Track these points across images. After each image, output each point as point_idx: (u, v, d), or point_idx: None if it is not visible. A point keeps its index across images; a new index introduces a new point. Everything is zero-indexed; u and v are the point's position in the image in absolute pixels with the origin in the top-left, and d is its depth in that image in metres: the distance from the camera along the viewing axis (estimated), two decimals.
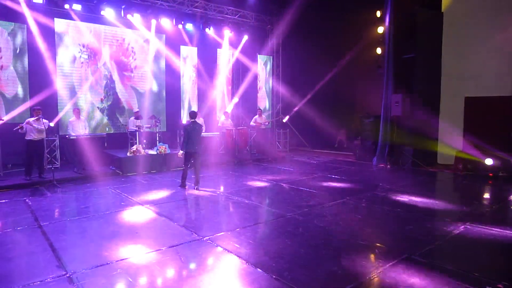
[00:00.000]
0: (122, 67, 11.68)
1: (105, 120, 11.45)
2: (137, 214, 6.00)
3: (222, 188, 8.00)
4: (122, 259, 4.13)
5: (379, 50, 12.22)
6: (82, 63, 10.84)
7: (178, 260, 4.16)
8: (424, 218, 5.75)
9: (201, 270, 3.95)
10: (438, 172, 9.88)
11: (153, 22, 11.68)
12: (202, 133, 8.32)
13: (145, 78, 12.14)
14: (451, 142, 10.31)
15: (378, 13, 12.15)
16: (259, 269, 3.90)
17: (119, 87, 11.64)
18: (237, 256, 4.25)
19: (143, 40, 11.98)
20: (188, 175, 7.94)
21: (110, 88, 11.49)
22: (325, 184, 8.41)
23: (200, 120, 11.22)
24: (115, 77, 11.54)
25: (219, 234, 4.98)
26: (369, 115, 12.07)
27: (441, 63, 10.75)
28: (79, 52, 10.75)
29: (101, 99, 11.30)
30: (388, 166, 10.77)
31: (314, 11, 13.87)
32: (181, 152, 7.85)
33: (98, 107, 11.27)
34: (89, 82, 10.99)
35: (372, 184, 8.42)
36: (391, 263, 4.03)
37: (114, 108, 11.61)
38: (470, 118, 10.29)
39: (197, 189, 7.71)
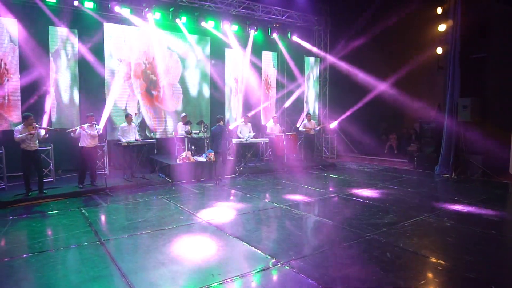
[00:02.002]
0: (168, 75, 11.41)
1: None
2: (199, 230, 5.56)
3: (281, 200, 7.44)
4: None
5: (439, 50, 11.29)
6: (125, 73, 10.58)
7: None
8: None
9: None
10: None
11: (203, 24, 11.34)
12: (227, 135, 9.74)
13: (190, 83, 11.83)
14: None
15: (439, 10, 11.24)
16: None
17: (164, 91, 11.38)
18: None
19: (189, 45, 11.67)
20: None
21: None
22: (391, 197, 7.68)
23: (247, 124, 10.89)
24: (162, 81, 11.30)
25: (298, 259, 4.42)
26: (429, 120, 11.15)
27: None
28: (119, 63, 10.51)
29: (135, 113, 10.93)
30: (454, 176, 9.84)
31: (363, 10, 13.11)
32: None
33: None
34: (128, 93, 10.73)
35: (445, 197, 7.61)
36: None
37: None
38: None
39: (217, 183, 8.79)
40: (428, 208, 6.80)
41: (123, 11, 10.00)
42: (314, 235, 5.37)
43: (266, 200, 7.40)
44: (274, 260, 4.40)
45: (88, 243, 4.94)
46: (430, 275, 4.11)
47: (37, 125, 7.19)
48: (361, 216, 6.24)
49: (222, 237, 5.25)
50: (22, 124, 7.04)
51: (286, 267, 4.22)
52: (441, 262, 4.38)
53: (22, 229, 5.69)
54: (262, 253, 4.61)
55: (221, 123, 9.32)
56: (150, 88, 11.03)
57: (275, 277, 4.07)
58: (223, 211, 6.64)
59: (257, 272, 4.10)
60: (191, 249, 4.81)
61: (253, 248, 4.77)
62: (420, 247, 4.82)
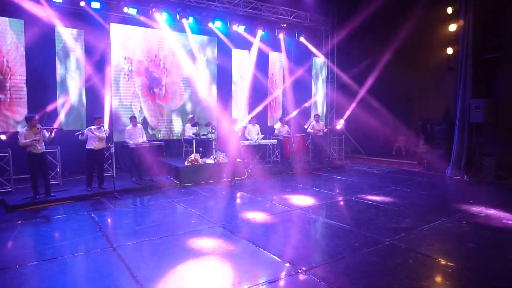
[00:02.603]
0: (175, 75, 11.28)
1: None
2: (213, 235, 5.42)
3: (293, 203, 7.28)
4: None
5: (450, 50, 11.13)
6: (129, 71, 10.46)
7: None
8: None
9: None
10: None
11: (210, 24, 11.21)
12: (237, 137, 9.87)
13: (197, 83, 11.69)
14: None
15: (450, 10, 11.08)
16: None
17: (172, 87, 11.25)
18: None
19: (195, 45, 11.54)
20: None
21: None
22: (405, 200, 7.51)
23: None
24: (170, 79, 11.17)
25: (318, 266, 4.27)
26: (441, 122, 11.00)
27: None
28: (124, 63, 10.38)
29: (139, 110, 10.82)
30: (466, 179, 9.68)
31: (371, 11, 12.93)
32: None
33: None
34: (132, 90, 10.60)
35: (460, 200, 7.44)
36: None
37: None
38: None
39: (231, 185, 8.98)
40: (444, 212, 6.65)
41: (130, 11, 9.87)
42: (331, 240, 5.21)
43: (277, 203, 7.25)
44: (294, 267, 4.26)
45: (100, 249, 4.80)
46: (456, 284, 3.95)
47: (41, 126, 7.04)
48: (378, 221, 6.09)
49: (238, 242, 5.10)
50: (26, 127, 6.89)
51: (307, 275, 4.07)
52: (466, 270, 4.24)
53: (31, 234, 5.56)
54: (280, 260, 4.46)
55: (234, 124, 9.34)
56: (153, 86, 10.87)
57: (297, 286, 3.92)
58: (235, 215, 6.50)
59: (278, 280, 3.95)
60: (208, 255, 4.66)
61: (270, 255, 4.62)
62: (443, 254, 4.68)
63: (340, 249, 4.81)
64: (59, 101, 9.42)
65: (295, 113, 13.31)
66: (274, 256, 4.57)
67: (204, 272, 4.18)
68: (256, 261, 4.53)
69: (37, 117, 7.03)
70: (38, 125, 6.94)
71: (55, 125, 8.34)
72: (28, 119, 6.88)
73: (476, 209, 6.75)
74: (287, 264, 4.35)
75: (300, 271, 4.15)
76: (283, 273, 4.13)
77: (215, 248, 4.91)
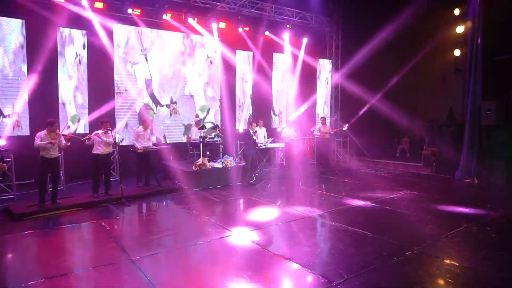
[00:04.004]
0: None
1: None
2: (234, 244, 5.19)
3: (310, 208, 7.07)
4: None
5: (457, 52, 11.07)
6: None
7: None
8: None
9: None
10: None
11: (214, 25, 10.98)
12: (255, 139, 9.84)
13: (200, 85, 11.46)
14: None
15: (457, 11, 11.03)
16: None
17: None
18: None
19: (200, 46, 11.31)
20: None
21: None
22: (421, 204, 7.35)
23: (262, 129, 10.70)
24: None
25: (350, 278, 4.08)
26: (450, 124, 10.90)
27: None
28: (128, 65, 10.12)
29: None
30: (476, 181, 9.59)
31: (376, 12, 12.83)
32: None
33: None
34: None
35: (477, 204, 7.30)
36: None
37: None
38: None
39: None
40: (464, 217, 6.52)
41: (135, 12, 9.61)
42: (357, 248, 5.02)
43: (291, 209, 7.04)
44: (325, 280, 4.06)
45: (118, 262, 4.55)
46: None
47: (60, 132, 6.78)
48: (399, 227, 5.94)
49: (260, 253, 4.89)
50: (45, 130, 6.62)
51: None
52: (506, 280, 4.08)
53: (41, 245, 5.26)
54: (311, 272, 4.25)
55: (251, 126, 9.64)
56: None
57: None
58: (251, 222, 6.26)
59: None
60: (232, 266, 4.45)
61: (299, 266, 4.41)
62: (476, 263, 4.51)
63: (369, 259, 4.62)
64: (62, 105, 9.10)
65: (299, 113, 13.14)
66: (304, 268, 4.35)
67: (234, 285, 3.96)
68: (286, 274, 4.31)
69: (57, 123, 6.79)
70: (58, 131, 6.72)
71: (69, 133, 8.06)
72: (49, 124, 6.62)
73: (495, 214, 6.64)
74: (319, 277, 4.14)
75: (335, 284, 3.94)
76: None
77: (239, 259, 4.70)
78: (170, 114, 10.86)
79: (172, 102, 10.86)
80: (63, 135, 6.87)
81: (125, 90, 9.99)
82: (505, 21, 9.31)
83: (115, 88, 9.85)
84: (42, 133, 6.59)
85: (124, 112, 10.02)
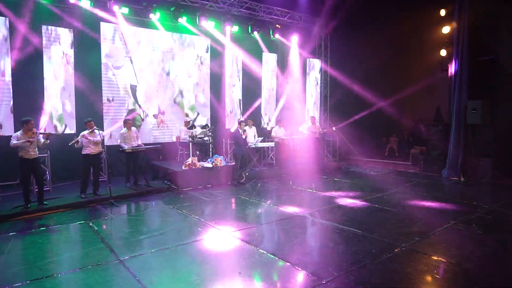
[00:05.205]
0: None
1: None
2: (223, 244, 5.17)
3: (300, 207, 7.09)
4: None
5: (443, 52, 11.22)
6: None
7: None
8: None
9: None
10: None
11: (203, 24, 10.91)
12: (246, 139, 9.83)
13: (188, 84, 11.39)
14: None
15: (443, 12, 11.17)
16: None
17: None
18: None
19: (188, 45, 11.24)
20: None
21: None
22: (410, 202, 7.44)
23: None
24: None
25: (340, 276, 4.10)
26: (437, 123, 11.05)
27: None
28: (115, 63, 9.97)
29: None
30: (462, 179, 9.74)
31: (364, 12, 12.94)
32: None
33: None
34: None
35: (463, 201, 7.44)
36: None
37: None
38: None
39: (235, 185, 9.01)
40: (451, 214, 6.62)
41: (122, 10, 9.49)
42: (347, 246, 5.05)
43: (281, 208, 7.05)
44: (315, 278, 4.07)
45: (106, 263, 4.48)
46: None
47: (37, 131, 6.63)
48: (388, 225, 5.98)
49: (250, 251, 4.88)
50: (21, 130, 6.47)
51: (332, 286, 3.89)
52: (491, 276, 4.15)
53: (28, 247, 5.13)
54: (301, 270, 4.26)
55: (241, 126, 9.43)
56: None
57: None
58: (241, 221, 6.25)
59: None
60: (222, 266, 4.43)
61: (289, 264, 4.42)
62: (463, 260, 4.57)
63: (359, 257, 4.65)
64: (47, 104, 8.93)
65: (289, 112, 13.16)
66: (294, 267, 4.35)
67: (222, 285, 3.94)
68: (274, 271, 4.32)
69: (32, 121, 6.62)
70: (34, 129, 6.55)
71: (49, 130, 7.91)
72: (24, 122, 6.45)
73: (481, 211, 6.75)
74: (309, 274, 4.15)
75: (325, 282, 3.95)
76: (308, 285, 3.93)
77: (228, 258, 4.68)
78: (158, 126, 10.74)
79: (160, 112, 10.75)
80: (41, 133, 6.73)
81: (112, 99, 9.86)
82: (489, 22, 9.47)
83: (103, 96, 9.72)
84: (18, 133, 6.45)
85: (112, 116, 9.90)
